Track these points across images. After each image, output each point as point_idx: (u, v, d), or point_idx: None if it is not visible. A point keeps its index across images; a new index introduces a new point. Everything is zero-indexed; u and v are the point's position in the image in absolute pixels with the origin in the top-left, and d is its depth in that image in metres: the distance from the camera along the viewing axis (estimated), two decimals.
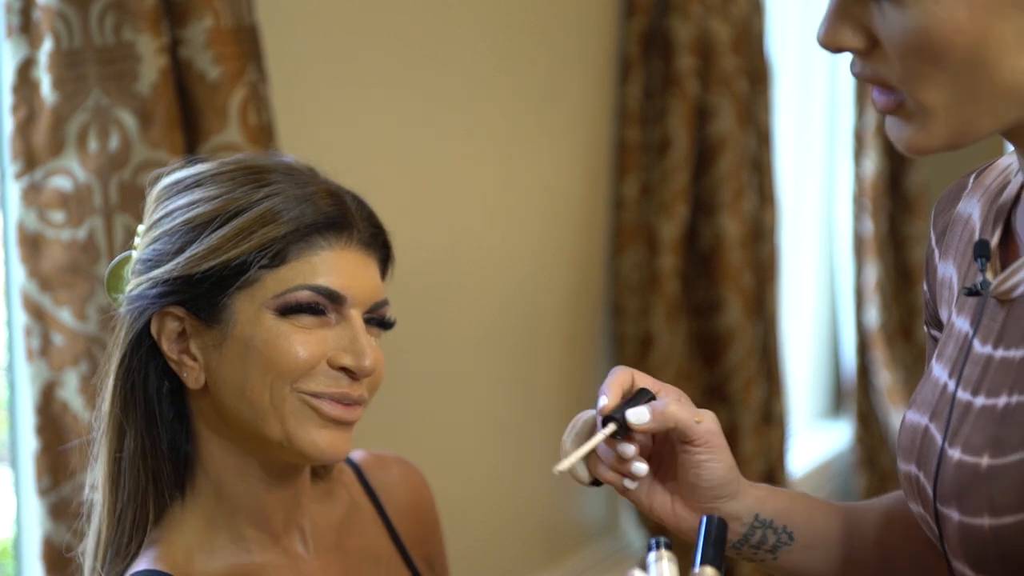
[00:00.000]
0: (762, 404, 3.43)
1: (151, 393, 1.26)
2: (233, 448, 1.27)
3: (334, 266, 1.23)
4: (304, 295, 1.22)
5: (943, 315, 1.16)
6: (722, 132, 3.23)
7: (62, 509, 1.89)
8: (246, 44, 1.92)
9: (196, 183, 1.27)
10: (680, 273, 3.23)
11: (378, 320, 1.28)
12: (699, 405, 3.75)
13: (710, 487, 1.19)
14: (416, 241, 2.54)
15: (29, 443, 1.93)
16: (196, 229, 1.23)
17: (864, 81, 1.00)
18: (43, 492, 1.90)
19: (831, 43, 0.99)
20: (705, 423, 1.20)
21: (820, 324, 4.28)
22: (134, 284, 1.26)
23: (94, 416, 1.30)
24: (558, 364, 3.07)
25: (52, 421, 1.90)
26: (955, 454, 1.02)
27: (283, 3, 2.24)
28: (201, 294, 1.23)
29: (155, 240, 1.26)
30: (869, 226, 4.04)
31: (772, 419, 3.47)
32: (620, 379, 1.19)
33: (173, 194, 1.28)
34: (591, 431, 1.19)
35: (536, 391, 2.97)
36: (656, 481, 1.22)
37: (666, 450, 1.22)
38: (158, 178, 1.31)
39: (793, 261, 4.02)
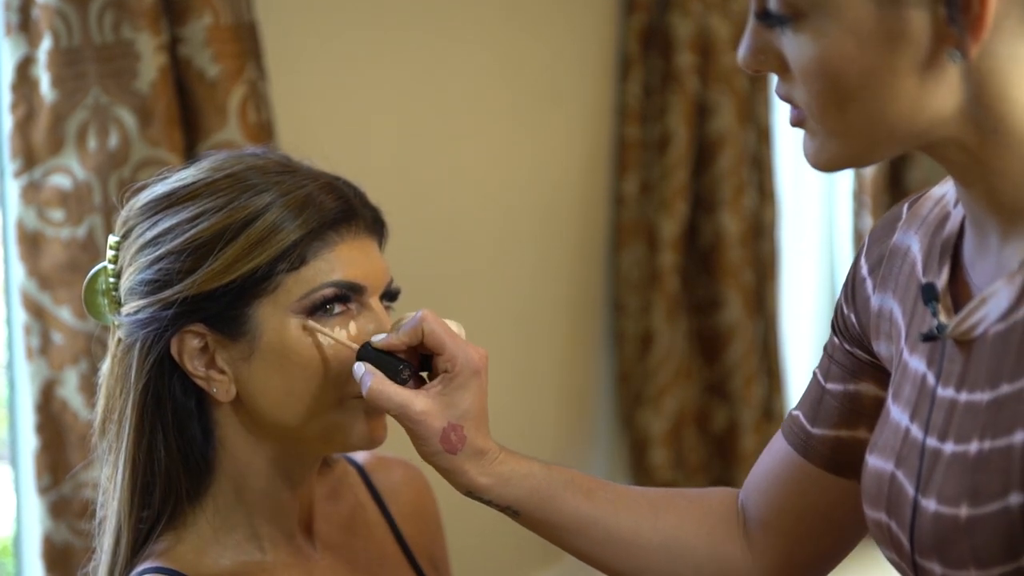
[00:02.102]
0: (763, 401, 3.44)
1: (182, 414, 1.26)
2: (261, 450, 1.27)
3: (350, 258, 1.24)
4: (329, 292, 1.22)
5: (879, 347, 1.15)
6: (722, 129, 3.23)
7: (62, 507, 1.89)
8: (245, 42, 1.92)
9: (190, 196, 1.25)
10: (680, 270, 3.23)
11: (388, 296, 1.29)
12: (700, 402, 3.73)
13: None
14: (416, 239, 2.54)
15: (29, 441, 1.93)
16: (207, 244, 1.22)
17: (784, 101, 1.02)
18: (43, 490, 1.90)
19: (748, 65, 1.02)
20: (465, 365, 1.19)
21: (820, 320, 4.28)
22: (140, 306, 1.24)
23: (109, 437, 1.29)
24: (558, 361, 3.07)
25: (52, 419, 1.90)
26: (930, 505, 1.00)
27: (282, 1, 2.24)
28: (221, 308, 1.22)
29: (158, 260, 1.23)
30: (869, 223, 4.04)
31: (773, 416, 3.47)
32: (415, 333, 1.18)
33: (164, 209, 1.25)
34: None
35: (536, 388, 2.97)
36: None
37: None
38: (136, 191, 1.29)
39: (793, 258, 4.02)
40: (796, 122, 1.01)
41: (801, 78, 0.98)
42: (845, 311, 1.20)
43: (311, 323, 1.22)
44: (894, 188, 4.09)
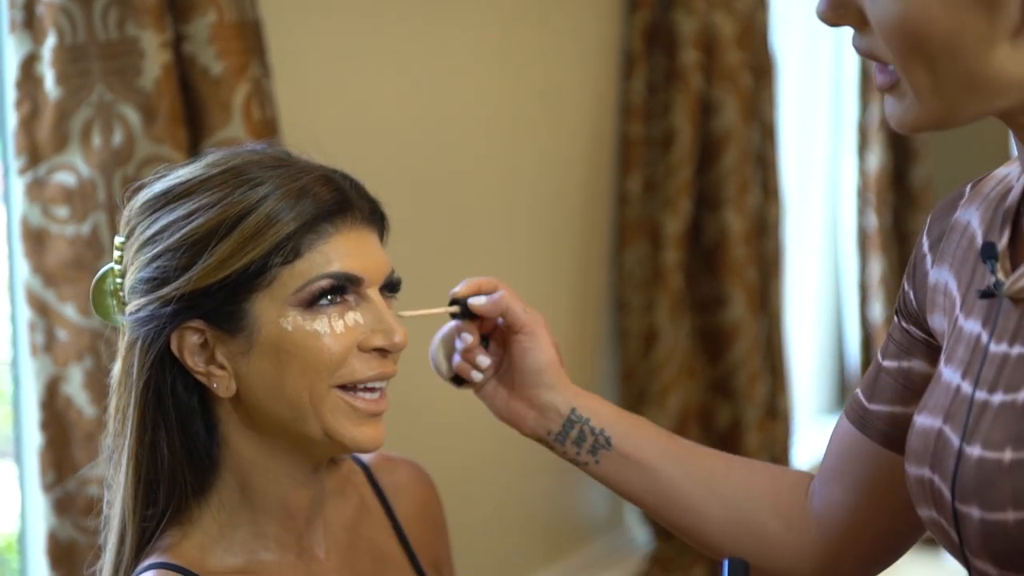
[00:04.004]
0: (766, 399, 3.44)
1: (184, 411, 1.26)
2: (264, 448, 1.27)
3: (346, 249, 1.24)
4: (325, 283, 1.23)
5: (934, 321, 1.18)
6: (726, 127, 3.23)
7: (66, 504, 1.89)
8: (249, 39, 1.92)
9: (186, 192, 1.25)
10: (684, 268, 3.23)
11: (389, 287, 1.29)
12: (703, 400, 3.72)
13: (531, 373, 1.36)
14: (419, 235, 2.55)
15: (33, 438, 1.93)
16: (202, 240, 1.22)
17: (862, 55, 1.04)
18: (47, 487, 1.90)
19: (827, 18, 1.03)
20: (531, 315, 1.37)
21: (824, 319, 4.28)
22: (141, 304, 1.25)
23: (113, 433, 1.29)
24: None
25: (56, 416, 1.90)
26: (975, 451, 1.02)
27: None
28: (218, 304, 1.22)
29: (156, 257, 1.24)
30: (873, 220, 4.04)
31: (776, 414, 3.47)
32: (482, 281, 1.38)
33: (162, 206, 1.26)
34: (453, 335, 1.40)
35: None
36: (500, 384, 1.39)
37: (508, 357, 1.39)
38: (136, 191, 1.30)
39: (797, 256, 4.02)
40: (886, 86, 1.02)
41: (882, 35, 0.99)
42: (905, 288, 1.23)
43: (406, 313, 1.29)
44: (898, 186, 4.10)
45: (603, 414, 1.38)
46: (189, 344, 1.24)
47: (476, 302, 1.37)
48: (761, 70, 3.36)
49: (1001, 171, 1.14)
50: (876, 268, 4.06)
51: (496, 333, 1.40)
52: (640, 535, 3.27)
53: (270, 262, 1.22)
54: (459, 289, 1.39)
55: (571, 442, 1.37)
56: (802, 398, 3.99)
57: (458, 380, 1.42)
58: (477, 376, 1.39)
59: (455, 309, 1.38)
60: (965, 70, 0.97)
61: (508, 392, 1.39)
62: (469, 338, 1.38)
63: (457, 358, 1.40)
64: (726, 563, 1.08)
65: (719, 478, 1.35)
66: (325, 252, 1.23)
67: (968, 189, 1.17)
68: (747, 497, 1.34)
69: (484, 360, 1.38)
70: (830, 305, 4.28)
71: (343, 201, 1.25)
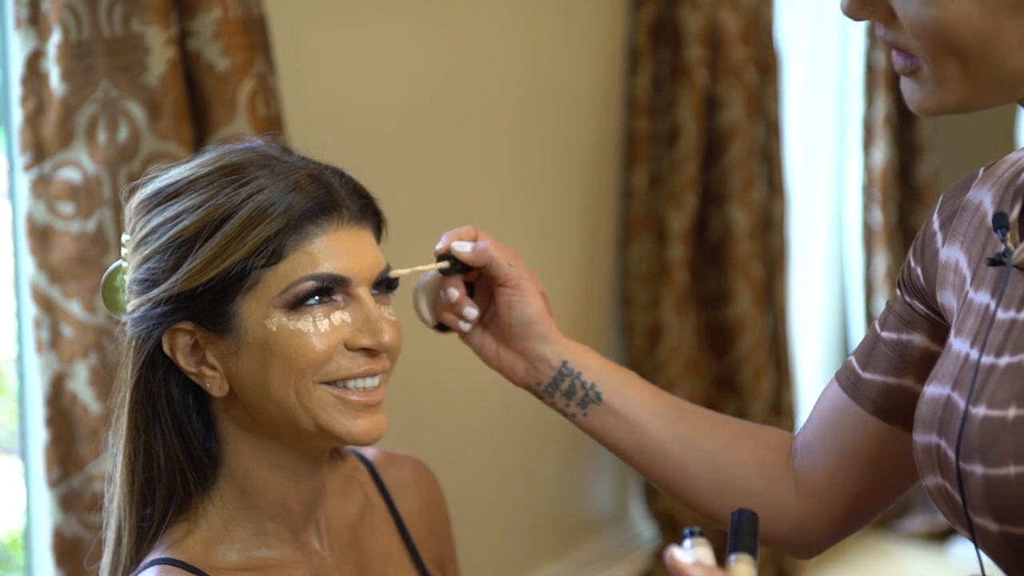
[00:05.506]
0: (771, 394, 3.43)
1: (178, 410, 1.26)
2: (264, 444, 1.27)
3: (332, 250, 1.23)
4: (309, 285, 1.22)
5: (943, 298, 1.20)
6: (731, 122, 3.23)
7: (71, 500, 1.90)
8: (254, 35, 1.92)
9: (176, 193, 1.24)
10: (689, 264, 3.23)
11: (385, 284, 1.28)
12: (708, 395, 3.72)
13: (520, 326, 1.37)
14: (424, 231, 2.55)
15: (39, 435, 1.93)
16: (187, 243, 1.21)
17: (887, 46, 1.05)
18: (53, 483, 1.90)
19: (853, 13, 1.05)
20: (517, 268, 1.39)
21: (830, 314, 4.27)
22: (135, 305, 1.25)
23: (111, 435, 1.29)
24: None
25: (62, 413, 1.90)
26: (980, 411, 1.05)
27: None
28: (206, 306, 1.22)
29: (147, 259, 1.24)
30: (879, 216, 4.04)
31: (781, 409, 3.47)
32: (461, 231, 1.41)
33: (154, 207, 1.26)
34: (436, 282, 1.41)
35: None
36: (487, 332, 1.40)
37: (494, 306, 1.40)
38: (135, 189, 1.30)
39: (802, 251, 4.02)
40: (906, 71, 1.04)
41: (913, 33, 1.01)
42: (912, 264, 1.25)
43: (398, 272, 1.29)
44: (904, 182, 4.09)
45: (594, 368, 1.39)
46: (180, 345, 1.24)
47: (461, 248, 1.39)
48: (766, 66, 3.36)
49: (1014, 155, 1.17)
50: (881, 264, 4.06)
51: (480, 281, 1.41)
52: (645, 530, 3.27)
53: (252, 265, 1.21)
54: (441, 245, 1.41)
55: (561, 394, 1.38)
56: (807, 393, 3.99)
57: (441, 327, 1.42)
58: (465, 326, 1.40)
59: (445, 265, 1.39)
60: (996, 66, 1.00)
61: (498, 342, 1.41)
62: (455, 293, 1.40)
63: (444, 312, 1.41)
64: (735, 515, 1.08)
65: (702, 437, 1.37)
66: (310, 253, 1.22)
67: (982, 171, 1.19)
68: (730, 457, 1.37)
69: (471, 312, 1.40)
70: (835, 301, 4.28)
71: (329, 200, 1.24)
